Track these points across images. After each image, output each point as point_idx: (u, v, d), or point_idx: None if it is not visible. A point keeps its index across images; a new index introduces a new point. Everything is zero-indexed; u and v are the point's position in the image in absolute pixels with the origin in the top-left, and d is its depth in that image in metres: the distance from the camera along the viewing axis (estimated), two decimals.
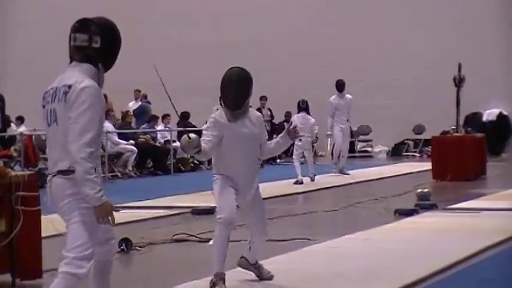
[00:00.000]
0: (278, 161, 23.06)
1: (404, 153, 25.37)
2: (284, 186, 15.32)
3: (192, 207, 11.80)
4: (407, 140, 25.87)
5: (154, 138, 20.39)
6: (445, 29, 25.14)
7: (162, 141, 20.51)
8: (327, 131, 17.70)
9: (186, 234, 9.32)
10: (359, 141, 26.05)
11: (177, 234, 9.31)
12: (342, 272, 7.08)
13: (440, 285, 6.66)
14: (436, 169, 16.39)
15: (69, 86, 4.55)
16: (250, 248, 6.75)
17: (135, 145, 18.93)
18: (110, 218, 4.59)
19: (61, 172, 4.60)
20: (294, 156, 16.41)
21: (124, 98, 22.44)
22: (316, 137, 17.34)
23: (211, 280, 6.31)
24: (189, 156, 20.39)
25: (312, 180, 15.99)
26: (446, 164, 16.09)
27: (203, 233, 9.36)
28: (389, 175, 17.85)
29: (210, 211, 11.42)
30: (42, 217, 7.08)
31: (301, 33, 26.53)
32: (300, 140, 16.09)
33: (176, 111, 6.16)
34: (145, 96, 22.99)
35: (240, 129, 6.45)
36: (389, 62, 25.74)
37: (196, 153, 6.25)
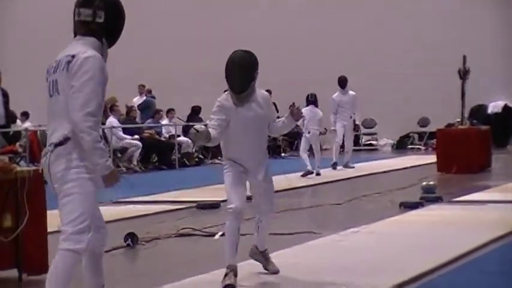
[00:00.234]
0: (283, 154, 23.07)
1: (409, 146, 25.35)
2: (289, 180, 15.30)
3: (197, 201, 11.82)
4: (412, 133, 25.84)
5: (159, 133, 20.39)
6: (449, 21, 25.09)
7: (167, 135, 20.52)
8: (331, 127, 17.61)
9: (191, 228, 9.34)
10: (364, 134, 26.03)
11: (183, 228, 9.33)
12: (347, 265, 7.08)
13: (446, 278, 6.66)
14: (441, 162, 16.37)
15: (73, 56, 4.55)
16: (258, 230, 6.77)
17: (140, 140, 18.95)
18: (116, 180, 4.62)
19: (56, 145, 4.56)
20: (300, 149, 16.42)
21: (128, 93, 22.45)
22: (325, 128, 17.30)
23: (225, 272, 6.38)
24: (194, 150, 20.43)
25: (318, 174, 16.00)
26: (451, 156, 16.07)
27: (208, 227, 9.38)
28: (394, 168, 17.83)
29: (215, 205, 11.44)
30: (48, 212, 7.09)
31: (303, 27, 26.50)
32: (309, 132, 16.14)
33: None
34: (149, 91, 23.00)
35: (247, 112, 6.45)
36: (394, 55, 25.70)
37: (206, 142, 6.26)
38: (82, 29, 4.66)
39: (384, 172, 17.07)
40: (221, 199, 11.18)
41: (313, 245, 8.27)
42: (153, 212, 11.15)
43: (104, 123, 18.91)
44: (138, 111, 21.18)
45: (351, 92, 17.38)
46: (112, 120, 18.75)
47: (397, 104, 24.94)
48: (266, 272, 6.79)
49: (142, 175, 18.01)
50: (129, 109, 20.31)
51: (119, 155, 18.62)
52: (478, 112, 23.81)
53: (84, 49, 4.56)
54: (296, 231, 9.03)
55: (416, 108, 24.92)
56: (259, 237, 6.81)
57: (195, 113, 21.92)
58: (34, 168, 6.96)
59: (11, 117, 16.94)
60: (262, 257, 6.84)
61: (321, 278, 6.56)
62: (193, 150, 20.50)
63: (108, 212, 11.15)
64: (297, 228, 9.20)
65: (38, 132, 18.11)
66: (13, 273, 6.92)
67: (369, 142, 26.07)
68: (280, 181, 14.88)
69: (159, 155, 19.62)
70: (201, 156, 20.68)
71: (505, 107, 24.53)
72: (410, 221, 9.77)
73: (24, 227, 6.59)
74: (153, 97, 22.70)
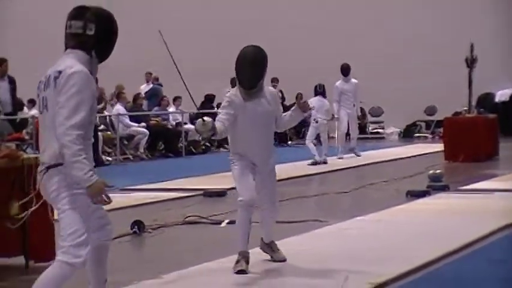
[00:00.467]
0: (290, 143, 23.06)
1: (416, 135, 25.31)
2: (296, 168, 15.32)
3: (204, 189, 11.83)
4: (419, 121, 25.79)
5: (166, 121, 20.40)
6: (458, 8, 24.99)
7: (174, 123, 20.52)
8: (335, 115, 17.51)
9: (198, 216, 9.35)
10: (370, 122, 25.99)
11: (189, 216, 9.34)
12: (354, 253, 7.09)
13: (452, 266, 6.65)
14: (448, 150, 16.34)
15: (60, 72, 4.52)
16: (262, 223, 6.82)
17: (147, 127, 18.95)
18: (103, 196, 4.53)
19: (48, 167, 4.57)
20: (307, 138, 16.41)
21: (135, 80, 22.44)
22: (333, 115, 17.27)
23: (237, 258, 6.44)
24: (200, 138, 20.43)
25: (325, 162, 15.99)
26: (459, 145, 16.04)
27: (215, 215, 9.39)
28: (401, 156, 17.81)
29: (221, 193, 11.45)
30: None
31: (312, 14, 26.44)
32: (317, 121, 16.15)
33: (189, 92, 6.16)
34: (156, 79, 22.98)
35: (255, 108, 6.48)
36: (401, 43, 25.63)
37: (211, 135, 6.26)
38: (72, 41, 4.61)
39: (391, 160, 17.05)
40: (228, 187, 11.20)
41: (320, 233, 8.27)
42: (160, 199, 11.16)
43: (101, 111, 18.93)
44: (144, 98, 21.17)
45: (353, 80, 17.28)
46: (119, 108, 18.76)
47: (404, 93, 24.88)
48: (273, 261, 6.79)
49: (149, 163, 18.02)
50: (136, 96, 20.31)
51: (126, 143, 18.63)
52: (486, 100, 23.74)
53: (71, 64, 4.53)
54: (303, 220, 9.04)
55: (423, 97, 24.85)
56: (264, 230, 6.85)
57: (209, 101, 21.86)
58: None
59: (17, 105, 16.97)
60: (268, 248, 6.86)
61: (327, 266, 6.57)
62: (200, 138, 20.50)
63: (115, 199, 11.14)
64: (304, 216, 9.20)
65: None
66: (20, 260, 6.95)
67: (375, 130, 26.03)
68: (287, 169, 14.91)
69: (165, 143, 19.62)
70: (207, 144, 20.68)
71: None
72: (417, 209, 9.77)
73: (31, 214, 6.59)
74: (160, 85, 22.68)
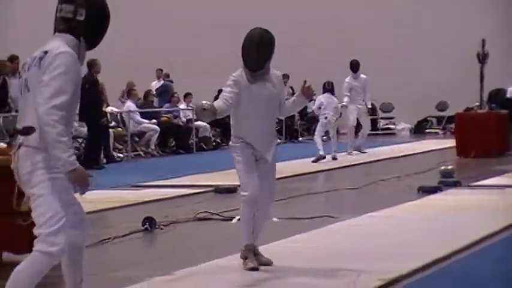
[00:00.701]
0: (300, 139, 23.05)
1: (427, 131, 25.25)
2: (306, 164, 15.31)
3: (215, 185, 11.83)
4: (430, 117, 25.73)
5: (177, 117, 20.42)
6: (468, 3, 24.90)
7: (185, 120, 20.54)
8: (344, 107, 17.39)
9: (209, 212, 9.35)
10: (381, 118, 25.94)
11: (200, 212, 9.34)
12: (364, 249, 7.08)
13: (463, 263, 6.64)
14: (459, 146, 16.30)
15: (45, 52, 4.37)
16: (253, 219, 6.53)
17: (158, 124, 18.98)
18: (86, 184, 4.31)
19: (18, 132, 4.35)
20: (315, 133, 16.39)
21: (146, 77, 22.47)
22: (341, 113, 17.26)
23: (242, 253, 6.35)
24: (211, 135, 20.44)
25: (335, 158, 15.97)
26: (470, 141, 16.00)
27: (226, 211, 9.39)
28: (413, 152, 17.78)
29: (232, 190, 11.44)
30: None
31: (323, 10, 26.40)
32: (326, 117, 16.13)
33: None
34: (167, 75, 23.00)
35: (260, 90, 6.36)
36: (412, 38, 25.57)
37: (213, 116, 6.14)
38: (62, 25, 4.48)
39: (402, 156, 17.03)
40: (238, 183, 11.19)
41: (331, 229, 8.26)
42: (171, 196, 11.18)
43: (106, 107, 18.97)
44: (155, 95, 21.19)
45: (362, 76, 17.25)
46: (129, 105, 18.78)
47: (415, 88, 24.82)
48: (280, 260, 6.57)
49: (160, 159, 18.04)
50: (147, 93, 20.33)
51: (137, 139, 18.66)
52: (497, 96, 23.60)
53: (58, 45, 4.39)
54: (313, 216, 9.03)
55: (434, 93, 24.80)
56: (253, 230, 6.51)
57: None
58: None
59: None
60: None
61: (338, 263, 6.56)
62: (211, 134, 20.51)
63: (127, 196, 11.23)
64: (315, 213, 9.19)
65: None
66: None
67: (386, 126, 25.99)
68: (297, 165, 14.92)
69: (176, 139, 19.64)
70: (218, 140, 20.70)
71: None
72: (429, 205, 9.75)
73: None
74: (171, 81, 22.70)
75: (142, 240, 8.20)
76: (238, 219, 8.50)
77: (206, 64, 25.30)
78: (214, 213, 9.33)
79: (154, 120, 19.03)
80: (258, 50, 6.31)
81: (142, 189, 11.96)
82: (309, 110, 22.82)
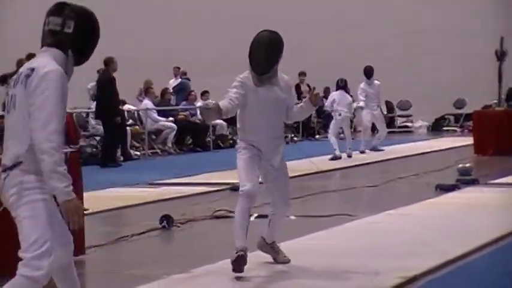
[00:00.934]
0: (317, 136, 23.01)
1: (445, 128, 25.15)
2: (323, 161, 15.27)
3: (232, 183, 11.82)
4: (447, 114, 25.62)
5: (194, 115, 20.44)
6: (485, 1, 24.78)
7: (201, 117, 20.57)
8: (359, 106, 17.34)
9: (226, 210, 9.35)
10: (399, 116, 25.85)
11: (217, 210, 9.35)
12: (383, 247, 7.06)
13: (482, 261, 6.60)
14: (477, 144, 16.22)
15: (32, 69, 4.22)
16: (269, 222, 6.56)
17: (175, 122, 19.01)
18: (78, 217, 4.17)
19: (7, 169, 4.21)
20: (329, 131, 16.36)
21: (163, 75, 22.52)
22: (354, 114, 17.23)
23: (233, 257, 6.14)
24: (228, 132, 20.45)
25: (350, 156, 15.93)
26: (488, 138, 15.92)
27: None
28: (430, 150, 17.71)
29: None
30: (84, 194, 7.15)
31: (336, 9, 26.35)
32: (340, 114, 16.10)
33: None
34: (184, 73, 23.04)
35: (267, 94, 6.27)
36: (430, 35, 25.47)
37: (219, 117, 6.11)
38: (49, 39, 4.33)
39: (420, 154, 16.96)
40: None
41: (349, 227, 8.24)
42: (188, 194, 11.19)
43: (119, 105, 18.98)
44: (173, 93, 21.23)
45: (376, 82, 17.19)
46: (147, 103, 18.83)
47: (432, 86, 24.73)
48: (276, 263, 6.55)
49: (177, 157, 18.07)
50: (164, 91, 20.37)
51: (154, 137, 18.71)
52: None
53: (45, 62, 4.24)
54: (332, 214, 9.00)
55: (452, 90, 24.69)
56: (269, 230, 6.57)
57: None
58: (70, 150, 7.00)
59: None
60: (271, 249, 6.60)
61: (356, 260, 6.54)
62: (228, 132, 20.52)
63: (144, 193, 11.26)
64: (332, 211, 9.17)
65: (74, 114, 18.23)
66: None
67: (404, 124, 25.90)
68: (314, 163, 14.88)
69: (193, 137, 19.67)
70: (235, 138, 20.70)
71: None
72: (447, 203, 9.71)
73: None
74: (188, 79, 22.73)
75: (160, 238, 8.21)
76: (256, 217, 8.52)
77: (229, 61, 25.31)
78: (231, 211, 9.31)
79: (171, 118, 19.06)
80: (265, 52, 6.21)
81: (159, 187, 11.98)
82: (325, 108, 22.79)
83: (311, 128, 23.04)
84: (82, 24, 4.32)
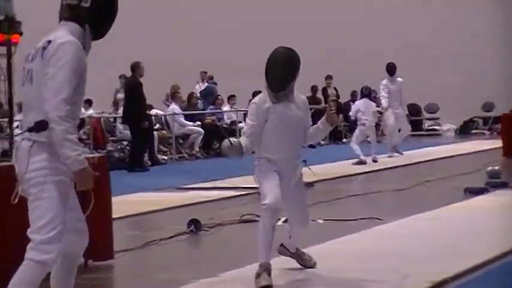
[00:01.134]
0: (344, 140, 22.94)
1: (473, 131, 24.98)
2: (349, 166, 15.23)
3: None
4: (476, 117, 25.45)
5: (220, 120, 20.47)
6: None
7: (228, 122, 20.58)
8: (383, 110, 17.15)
9: (253, 214, 9.34)
10: (426, 119, 25.72)
11: (245, 215, 9.34)
12: (412, 251, 7.01)
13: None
14: (506, 147, 16.01)
15: (49, 41, 4.22)
16: (290, 237, 6.50)
17: (201, 126, 19.05)
18: (90, 184, 4.11)
19: (29, 130, 4.15)
20: (353, 139, 16.25)
21: (191, 79, 22.59)
22: (379, 119, 17.12)
23: (256, 271, 6.00)
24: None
25: (375, 161, 15.83)
26: None
27: None
28: (458, 153, 17.59)
29: None
30: (113, 198, 7.18)
31: (361, 11, 26.28)
32: (364, 124, 16.03)
33: None
34: (211, 78, 23.09)
35: (285, 111, 6.14)
36: (459, 37, 25.32)
37: (240, 155, 6.06)
38: (67, 12, 4.32)
39: (448, 157, 16.86)
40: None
41: (377, 231, 8.20)
42: (216, 198, 11.20)
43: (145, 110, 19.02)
44: (199, 98, 21.29)
45: (399, 79, 16.99)
46: (174, 107, 18.88)
47: (460, 88, 24.57)
48: (303, 267, 6.49)
49: (204, 161, 18.09)
50: (190, 96, 20.42)
51: (181, 142, 18.75)
52: None
53: (62, 35, 4.23)
54: (359, 218, 8.97)
55: (480, 93, 24.52)
56: (291, 242, 6.49)
57: None
58: (98, 155, 7.03)
59: None
60: (296, 256, 6.51)
61: (385, 264, 6.51)
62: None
63: (171, 198, 11.28)
64: (360, 215, 9.13)
65: (102, 119, 18.34)
66: None
67: (431, 127, 25.75)
68: (340, 167, 14.85)
69: (220, 142, 19.68)
70: None
71: None
72: (476, 206, 9.64)
73: (90, 213, 6.67)
74: (215, 83, 22.78)
75: (188, 242, 8.22)
76: (284, 221, 8.49)
77: (256, 65, 25.32)
78: (259, 216, 9.30)
79: (198, 123, 19.10)
80: (282, 70, 6.09)
81: (186, 191, 12.00)
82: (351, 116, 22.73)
83: (338, 132, 22.99)
84: None
